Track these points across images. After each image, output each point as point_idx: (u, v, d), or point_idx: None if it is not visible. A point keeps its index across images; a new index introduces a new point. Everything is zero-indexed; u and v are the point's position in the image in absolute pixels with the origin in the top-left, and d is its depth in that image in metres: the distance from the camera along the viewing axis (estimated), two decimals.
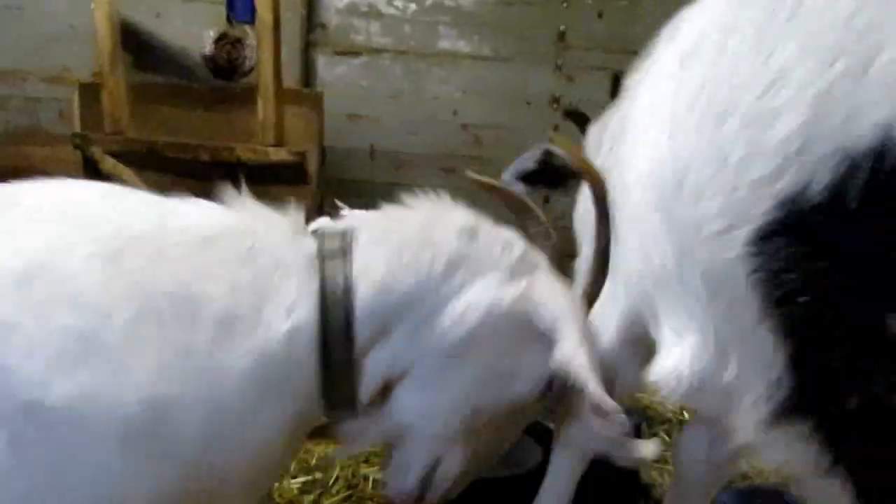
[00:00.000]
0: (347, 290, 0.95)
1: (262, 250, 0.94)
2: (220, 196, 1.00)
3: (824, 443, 0.79)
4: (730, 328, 0.85)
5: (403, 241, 1.01)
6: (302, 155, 2.84)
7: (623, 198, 1.09)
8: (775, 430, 0.82)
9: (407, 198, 1.08)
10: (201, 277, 0.88)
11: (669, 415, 2.65)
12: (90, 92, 3.04)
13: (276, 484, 1.96)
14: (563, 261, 1.14)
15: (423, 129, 3.78)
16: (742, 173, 0.77)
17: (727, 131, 0.80)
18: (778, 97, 0.74)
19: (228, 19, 3.36)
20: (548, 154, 2.72)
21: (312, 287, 0.95)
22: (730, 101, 0.81)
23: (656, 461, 2.41)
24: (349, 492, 2.02)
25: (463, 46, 3.81)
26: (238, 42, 3.34)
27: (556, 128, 3.49)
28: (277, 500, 1.94)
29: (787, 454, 0.82)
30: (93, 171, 2.94)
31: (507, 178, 2.71)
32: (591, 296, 1.15)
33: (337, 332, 0.94)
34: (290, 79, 3.67)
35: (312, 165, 2.89)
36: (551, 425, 1.76)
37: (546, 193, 2.95)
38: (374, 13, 3.75)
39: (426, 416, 1.02)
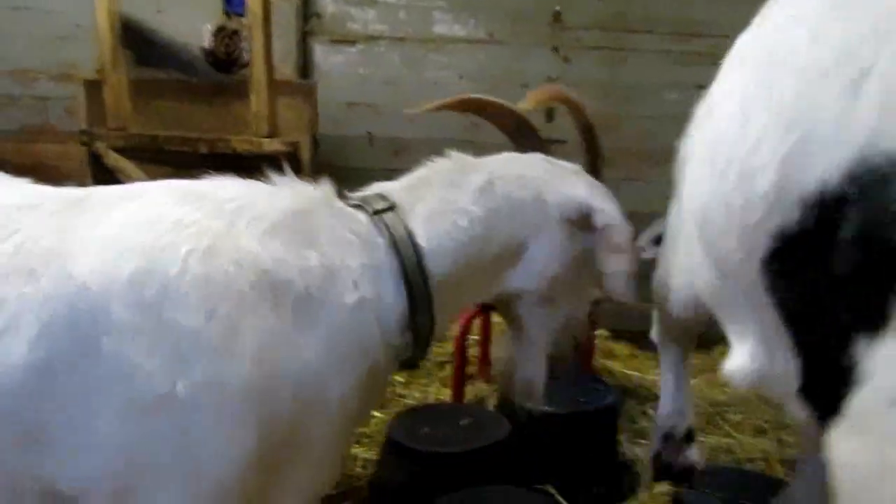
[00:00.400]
0: (411, 233, 1.18)
1: (333, 216, 1.14)
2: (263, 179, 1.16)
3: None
4: (770, 332, 1.03)
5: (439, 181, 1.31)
6: (295, 145, 2.91)
7: (684, 225, 1.42)
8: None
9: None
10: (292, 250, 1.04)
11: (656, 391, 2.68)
12: (95, 89, 3.12)
13: None
14: None
15: (421, 115, 3.80)
16: (743, 217, 0.98)
17: (729, 184, 1.00)
18: (757, 158, 0.93)
19: (225, 12, 3.41)
20: None
21: (381, 240, 1.16)
22: (728, 158, 1.01)
23: (636, 437, 2.46)
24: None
25: (458, 31, 3.82)
26: (235, 34, 3.36)
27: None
28: None
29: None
30: (98, 166, 3.06)
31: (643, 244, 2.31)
32: None
33: (412, 268, 1.15)
34: (289, 69, 3.73)
35: (305, 155, 2.96)
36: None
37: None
38: (369, 1, 3.78)
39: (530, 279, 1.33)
